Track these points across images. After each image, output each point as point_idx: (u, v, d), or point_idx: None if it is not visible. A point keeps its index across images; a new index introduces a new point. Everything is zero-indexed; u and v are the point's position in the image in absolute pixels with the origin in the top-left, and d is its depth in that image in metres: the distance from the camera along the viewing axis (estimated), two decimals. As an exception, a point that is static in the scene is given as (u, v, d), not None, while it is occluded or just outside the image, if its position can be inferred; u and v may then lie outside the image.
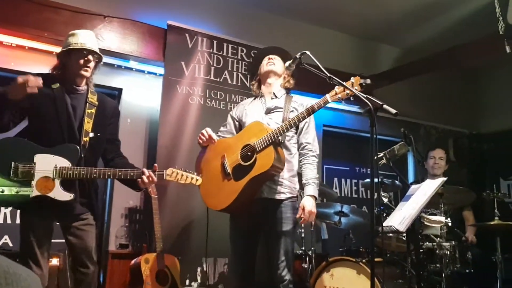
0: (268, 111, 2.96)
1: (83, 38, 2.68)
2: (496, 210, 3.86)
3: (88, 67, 2.69)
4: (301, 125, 2.93)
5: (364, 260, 3.43)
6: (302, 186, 2.92)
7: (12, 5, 3.80)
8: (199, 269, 4.09)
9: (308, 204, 2.77)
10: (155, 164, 2.68)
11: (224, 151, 2.86)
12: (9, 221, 3.88)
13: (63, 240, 2.65)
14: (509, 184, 6.45)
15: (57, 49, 4.00)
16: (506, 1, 3.66)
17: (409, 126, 5.64)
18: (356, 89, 2.44)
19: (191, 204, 4.15)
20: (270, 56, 3.05)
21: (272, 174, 2.73)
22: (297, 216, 2.79)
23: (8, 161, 2.45)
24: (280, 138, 2.72)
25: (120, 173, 2.58)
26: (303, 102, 2.99)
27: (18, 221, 3.77)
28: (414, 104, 6.21)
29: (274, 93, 3.01)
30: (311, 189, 2.83)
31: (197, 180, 2.68)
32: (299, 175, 2.95)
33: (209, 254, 4.08)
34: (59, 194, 2.49)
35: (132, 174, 2.59)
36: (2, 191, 2.40)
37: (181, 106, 4.37)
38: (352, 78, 2.53)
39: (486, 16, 4.04)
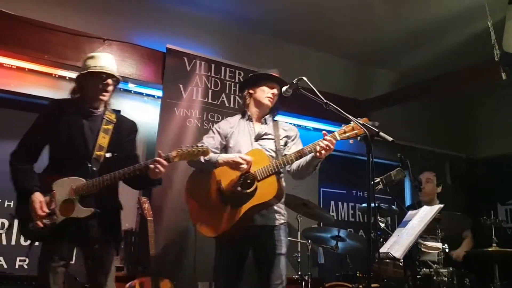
0: (258, 137, 2.97)
1: (103, 61, 2.63)
2: (493, 236, 3.84)
3: (107, 91, 2.64)
4: (290, 142, 2.97)
5: (360, 286, 3.40)
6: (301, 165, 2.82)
7: (12, 27, 3.83)
8: (194, 294, 4.05)
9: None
10: (159, 151, 2.59)
11: (221, 176, 2.83)
12: (4, 242, 3.83)
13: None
14: (506, 209, 6.41)
15: (57, 71, 4.05)
16: (502, 29, 3.72)
17: (406, 150, 5.62)
18: (358, 120, 2.43)
19: (187, 227, 4.11)
20: (274, 91, 2.99)
21: (271, 204, 2.72)
22: (320, 147, 2.68)
23: None
24: (282, 169, 2.73)
25: (129, 171, 2.52)
26: (290, 127, 3.05)
27: (13, 242, 3.80)
28: (411, 128, 6.23)
29: (264, 119, 3.03)
30: None
31: (203, 151, 2.58)
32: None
33: (204, 278, 4.03)
34: (80, 211, 2.50)
35: (140, 167, 2.53)
36: (33, 226, 2.44)
37: (179, 129, 4.38)
38: (359, 118, 2.48)
39: (481, 43, 4.09)
